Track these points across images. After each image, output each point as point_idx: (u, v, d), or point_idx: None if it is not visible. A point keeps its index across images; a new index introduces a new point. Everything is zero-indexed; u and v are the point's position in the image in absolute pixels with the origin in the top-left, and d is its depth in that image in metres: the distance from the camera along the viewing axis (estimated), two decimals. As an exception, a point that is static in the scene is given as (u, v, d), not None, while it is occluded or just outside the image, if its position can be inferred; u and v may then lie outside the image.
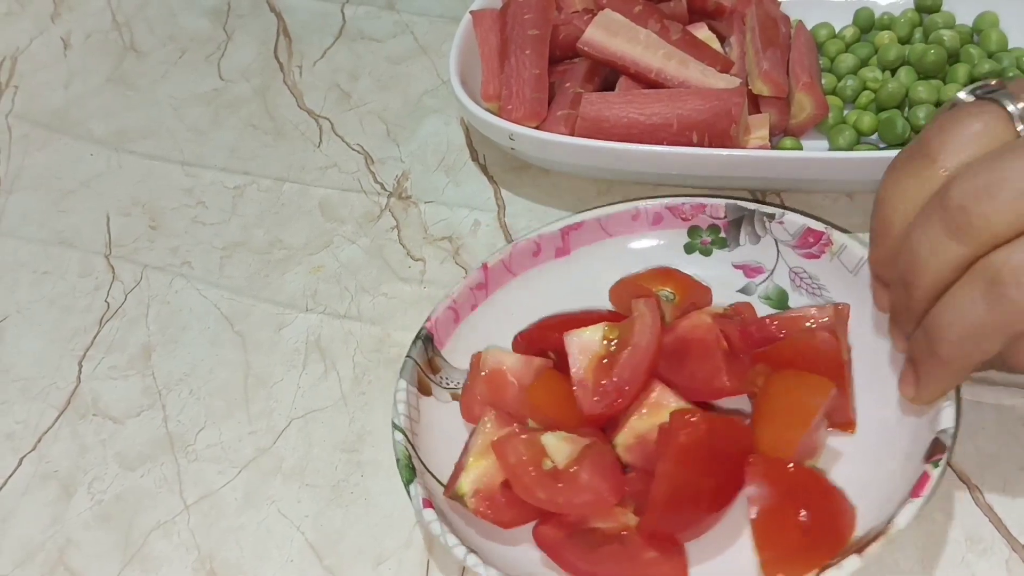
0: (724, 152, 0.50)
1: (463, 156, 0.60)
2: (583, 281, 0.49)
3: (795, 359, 0.41)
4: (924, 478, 0.36)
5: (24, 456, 0.49)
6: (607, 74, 0.56)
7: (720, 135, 0.50)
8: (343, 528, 0.44)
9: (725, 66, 0.55)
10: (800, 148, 0.53)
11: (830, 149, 0.53)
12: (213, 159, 0.63)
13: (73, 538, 0.45)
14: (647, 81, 0.54)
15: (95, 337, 0.53)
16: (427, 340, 0.46)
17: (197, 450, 0.47)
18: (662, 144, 0.50)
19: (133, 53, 0.72)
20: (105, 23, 0.75)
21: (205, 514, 0.45)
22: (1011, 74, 0.53)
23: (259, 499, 0.45)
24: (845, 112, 0.55)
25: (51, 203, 0.62)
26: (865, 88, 0.56)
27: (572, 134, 0.52)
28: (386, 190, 0.59)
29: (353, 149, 0.62)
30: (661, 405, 0.40)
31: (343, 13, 0.72)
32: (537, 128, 0.53)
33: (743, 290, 0.48)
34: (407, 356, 0.45)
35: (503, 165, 0.58)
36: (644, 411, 0.40)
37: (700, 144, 0.51)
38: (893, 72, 0.56)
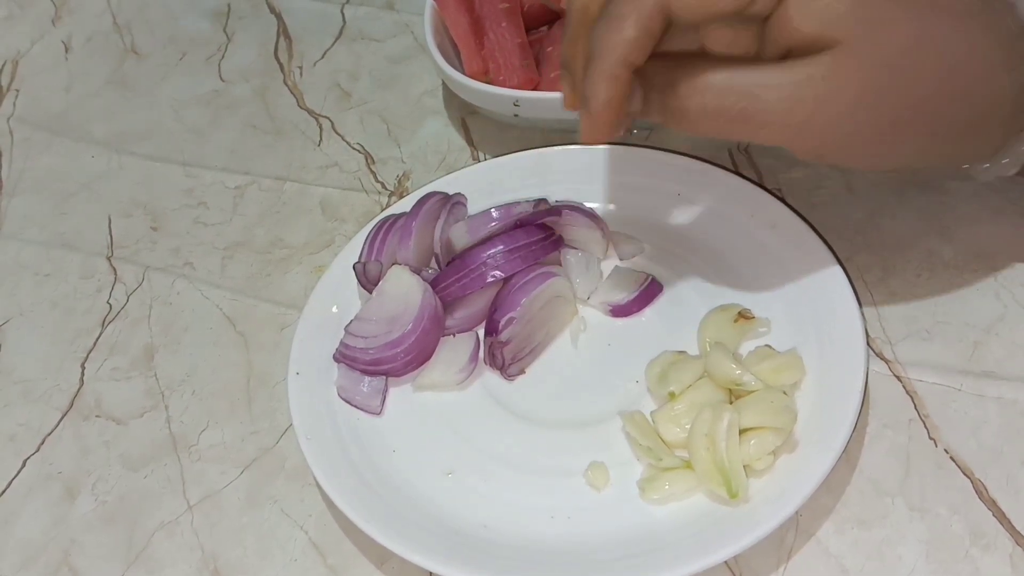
0: None
1: (464, 156, 0.60)
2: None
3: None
4: None
5: (27, 458, 0.49)
6: None
7: None
8: (346, 527, 0.44)
9: None
10: None
11: None
12: (214, 160, 0.63)
13: (77, 539, 0.45)
14: None
15: (97, 339, 0.53)
16: None
17: (200, 450, 0.48)
18: None
19: (133, 55, 0.72)
20: (106, 25, 0.75)
21: (208, 514, 0.45)
22: None
23: (262, 499, 0.45)
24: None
25: (52, 205, 0.62)
26: None
27: None
28: (387, 189, 0.59)
29: (354, 148, 0.62)
30: None
31: (343, 14, 0.72)
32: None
33: None
34: None
35: (504, 163, 0.58)
36: None
37: None
38: None
